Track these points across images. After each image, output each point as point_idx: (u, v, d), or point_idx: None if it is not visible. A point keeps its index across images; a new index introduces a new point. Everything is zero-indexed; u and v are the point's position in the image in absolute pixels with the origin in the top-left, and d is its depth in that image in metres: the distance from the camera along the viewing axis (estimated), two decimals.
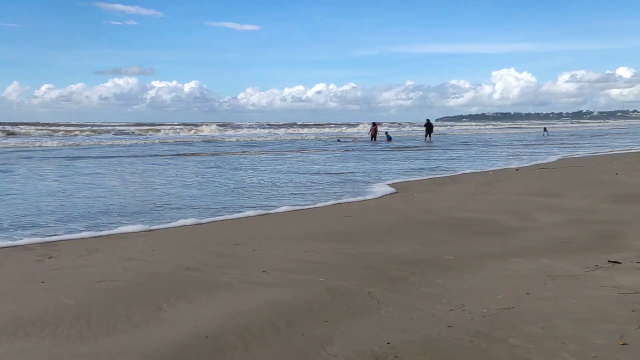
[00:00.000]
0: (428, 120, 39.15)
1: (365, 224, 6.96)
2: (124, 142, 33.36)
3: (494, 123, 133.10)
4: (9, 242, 6.08)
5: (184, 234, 6.50)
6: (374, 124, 38.55)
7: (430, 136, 38.19)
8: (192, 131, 52.79)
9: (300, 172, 14.62)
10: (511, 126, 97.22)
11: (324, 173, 14.26)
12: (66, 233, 6.60)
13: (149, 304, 3.97)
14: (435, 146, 29.41)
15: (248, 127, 68.02)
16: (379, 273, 4.62)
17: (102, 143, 31.98)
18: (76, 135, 42.48)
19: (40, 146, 28.85)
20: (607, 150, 23.18)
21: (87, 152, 24.36)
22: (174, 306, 3.91)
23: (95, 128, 54.02)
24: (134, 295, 4.15)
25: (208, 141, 35.47)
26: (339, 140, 36.49)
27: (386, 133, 39.18)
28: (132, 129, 52.42)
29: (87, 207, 8.58)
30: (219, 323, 3.51)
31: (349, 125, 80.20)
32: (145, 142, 32.95)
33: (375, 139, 36.66)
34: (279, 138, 41.59)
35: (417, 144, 31.61)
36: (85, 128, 53.55)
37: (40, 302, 4.02)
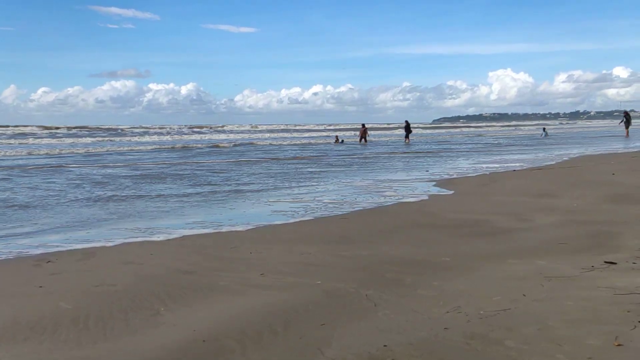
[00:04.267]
0: (407, 121, 38.13)
1: (360, 226, 6.97)
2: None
3: (493, 123, 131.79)
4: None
5: (183, 237, 6.51)
6: (363, 126, 38.05)
7: (408, 138, 37.13)
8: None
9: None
10: (507, 126, 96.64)
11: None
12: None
13: (147, 307, 3.98)
14: (439, 151, 29.33)
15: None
16: (375, 275, 4.63)
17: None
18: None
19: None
20: None
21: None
22: (172, 310, 3.92)
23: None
24: (131, 299, 4.16)
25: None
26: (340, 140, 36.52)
27: (337, 137, 38.31)
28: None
29: None
30: (217, 326, 3.52)
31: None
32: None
33: (365, 141, 36.29)
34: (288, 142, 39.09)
35: (400, 148, 31.32)
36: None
37: (38, 306, 4.03)
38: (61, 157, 24.03)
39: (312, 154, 24.08)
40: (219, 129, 71.61)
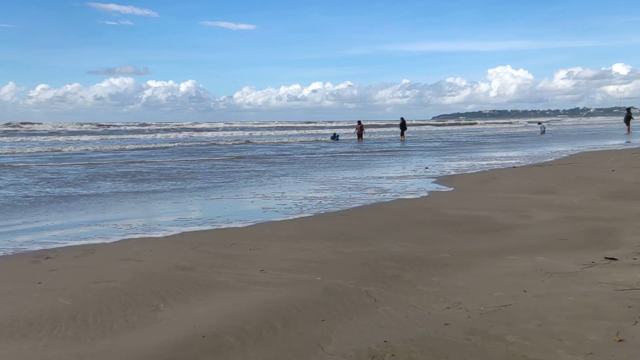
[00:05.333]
0: (402, 118, 37.29)
1: (360, 223, 6.96)
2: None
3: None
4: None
5: (182, 234, 6.49)
6: (360, 123, 37.32)
7: (403, 135, 36.43)
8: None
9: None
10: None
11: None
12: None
13: (146, 304, 3.96)
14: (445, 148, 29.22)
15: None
16: (375, 272, 4.62)
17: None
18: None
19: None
20: None
21: None
22: (171, 306, 3.91)
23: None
24: (130, 295, 4.15)
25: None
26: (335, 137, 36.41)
27: (334, 134, 38.27)
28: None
29: None
30: (216, 323, 3.51)
31: None
32: None
33: (361, 139, 35.49)
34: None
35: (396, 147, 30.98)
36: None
37: (36, 303, 4.01)
38: (31, 156, 23.28)
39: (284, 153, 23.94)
40: (223, 126, 71.11)
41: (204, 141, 35.49)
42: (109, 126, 66.79)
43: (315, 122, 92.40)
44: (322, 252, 5.37)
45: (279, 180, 12.38)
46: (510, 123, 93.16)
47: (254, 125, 74.40)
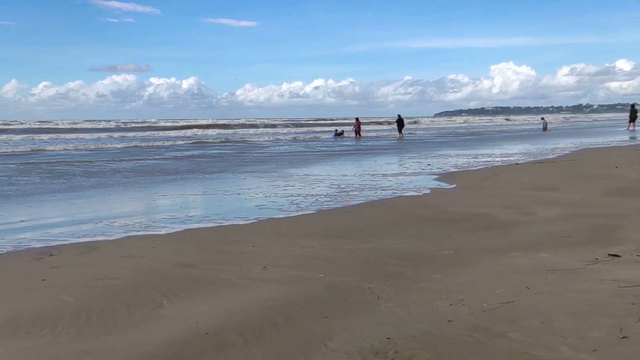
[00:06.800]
0: (399, 115, 36.95)
1: (362, 220, 6.96)
2: None
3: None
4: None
5: (185, 231, 6.50)
6: (357, 120, 37.19)
7: (401, 132, 36.31)
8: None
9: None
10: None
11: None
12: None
13: (149, 301, 3.97)
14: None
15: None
16: (377, 268, 4.62)
17: None
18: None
19: None
20: None
21: None
22: (174, 303, 3.92)
23: None
24: (133, 292, 4.15)
25: None
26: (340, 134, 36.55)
27: (336, 130, 38.46)
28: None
29: None
30: (219, 320, 3.51)
31: None
32: None
33: (359, 136, 35.34)
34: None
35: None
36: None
37: (40, 300, 4.02)
38: None
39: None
40: (227, 124, 70.42)
41: (206, 139, 35.11)
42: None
43: (329, 119, 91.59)
44: (324, 249, 5.37)
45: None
46: (504, 120, 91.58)
47: (262, 122, 73.83)
